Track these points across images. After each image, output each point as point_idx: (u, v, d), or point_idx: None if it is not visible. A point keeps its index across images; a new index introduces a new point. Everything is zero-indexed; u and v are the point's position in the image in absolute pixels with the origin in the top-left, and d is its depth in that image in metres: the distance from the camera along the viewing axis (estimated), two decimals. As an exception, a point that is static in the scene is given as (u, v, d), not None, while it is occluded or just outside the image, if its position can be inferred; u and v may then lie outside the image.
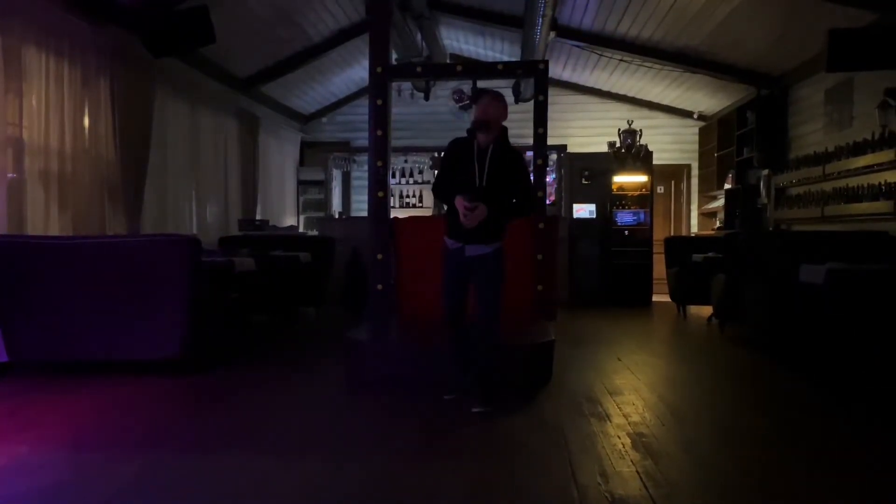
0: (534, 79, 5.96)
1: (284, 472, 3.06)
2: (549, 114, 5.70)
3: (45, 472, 3.04)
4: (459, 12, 9.55)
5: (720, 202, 10.40)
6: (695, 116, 11.60)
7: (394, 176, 11.38)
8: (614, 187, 10.21)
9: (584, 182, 10.33)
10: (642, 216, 10.24)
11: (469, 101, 3.64)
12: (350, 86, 11.97)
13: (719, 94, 10.28)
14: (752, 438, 3.67)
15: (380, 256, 5.75)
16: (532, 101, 5.83)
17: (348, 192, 12.48)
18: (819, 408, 4.33)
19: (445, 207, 4.25)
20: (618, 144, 10.36)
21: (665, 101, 11.51)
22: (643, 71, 10.02)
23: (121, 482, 2.92)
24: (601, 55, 9.80)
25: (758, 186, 9.04)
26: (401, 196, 11.74)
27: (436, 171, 4.62)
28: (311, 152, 12.37)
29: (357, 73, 11.23)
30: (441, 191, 4.20)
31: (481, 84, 10.57)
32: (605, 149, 10.50)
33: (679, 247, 9.02)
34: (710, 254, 7.96)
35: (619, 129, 10.41)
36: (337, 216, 11.59)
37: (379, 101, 5.79)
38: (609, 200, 10.20)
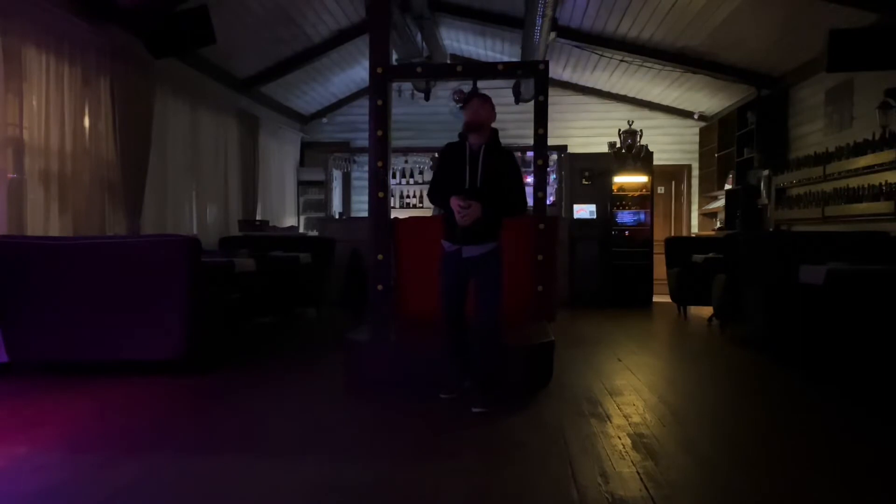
0: (534, 79, 5.95)
1: (284, 472, 3.05)
2: (550, 114, 5.68)
3: (45, 472, 3.03)
4: (460, 13, 9.55)
5: (720, 202, 10.39)
6: (695, 117, 11.60)
7: (394, 176, 11.37)
8: (615, 188, 10.21)
9: (584, 182, 10.33)
10: (643, 217, 10.24)
11: (460, 105, 3.67)
12: (350, 86, 11.97)
13: (720, 94, 10.28)
14: (752, 439, 3.67)
15: (380, 257, 5.74)
16: (532, 102, 5.82)
17: (348, 192, 12.48)
18: (820, 408, 4.32)
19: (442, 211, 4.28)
20: (618, 145, 10.36)
21: (665, 102, 11.51)
22: (643, 71, 10.02)
23: (121, 482, 2.92)
24: (601, 56, 9.80)
25: (758, 187, 9.04)
26: (401, 196, 11.73)
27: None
28: (311, 153, 12.37)
29: (357, 73, 11.24)
30: (436, 196, 4.26)
31: (481, 84, 10.56)
32: (605, 149, 10.51)
33: (679, 247, 9.02)
34: (710, 254, 7.96)
35: (620, 130, 10.41)
36: (337, 217, 11.59)
37: (379, 102, 5.77)
38: (609, 201, 10.20)
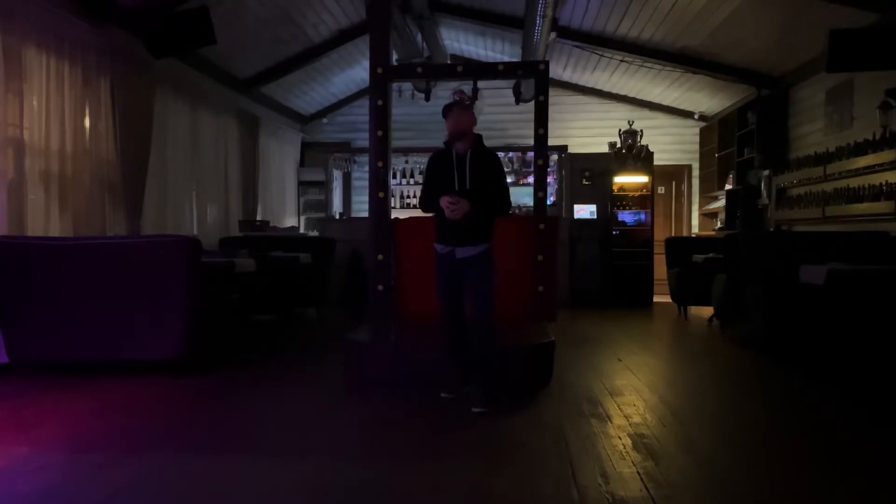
0: (534, 79, 5.95)
1: (284, 472, 3.05)
2: (550, 114, 5.69)
3: (46, 472, 3.03)
4: (460, 13, 9.55)
5: (721, 203, 10.39)
6: (695, 117, 11.60)
7: (394, 176, 11.38)
8: (615, 188, 10.21)
9: (584, 182, 10.33)
10: (643, 217, 10.24)
11: (442, 114, 3.79)
12: (350, 86, 11.97)
13: (720, 94, 10.28)
14: (752, 439, 3.67)
15: (380, 257, 5.74)
16: (533, 102, 5.82)
17: (349, 192, 12.47)
18: (820, 408, 4.32)
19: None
20: (618, 145, 10.36)
21: (666, 102, 11.51)
22: (644, 71, 10.02)
23: (121, 483, 2.92)
24: (602, 56, 9.80)
25: (758, 187, 9.04)
26: (401, 197, 11.73)
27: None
28: (311, 153, 12.37)
29: (357, 73, 11.24)
30: (427, 202, 4.36)
31: (481, 85, 10.53)
32: (605, 149, 10.51)
33: (680, 247, 9.02)
34: (710, 254, 7.95)
35: (620, 130, 10.41)
36: (337, 217, 11.59)
37: (379, 102, 5.78)
38: (610, 201, 10.20)
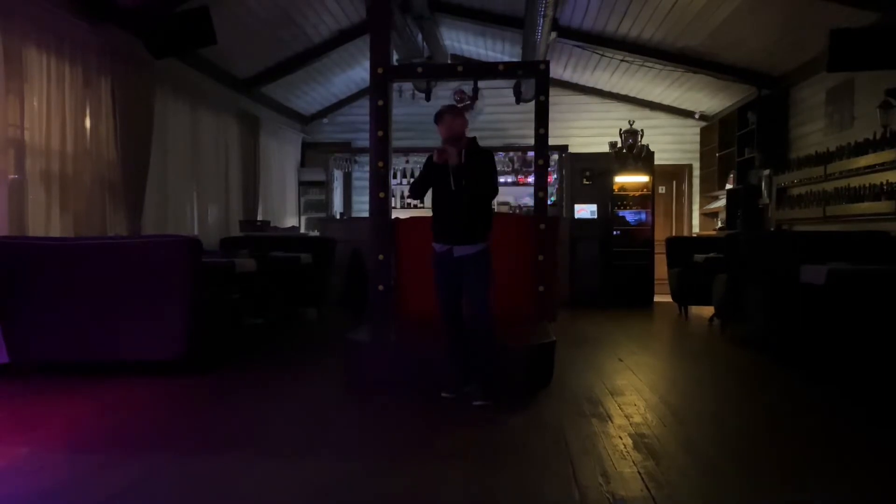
0: (535, 79, 5.96)
1: (285, 472, 3.06)
2: (550, 114, 5.69)
3: (46, 472, 3.03)
4: (460, 13, 9.54)
5: (721, 202, 10.38)
6: (696, 117, 11.59)
7: (395, 176, 11.37)
8: (615, 187, 10.21)
9: (585, 182, 10.33)
10: (643, 216, 10.24)
11: (434, 121, 3.88)
12: (351, 86, 11.97)
13: (720, 94, 10.27)
14: (753, 439, 3.66)
15: (381, 257, 5.74)
16: (533, 102, 5.82)
17: (349, 192, 12.47)
18: (820, 408, 4.32)
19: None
20: (619, 145, 10.35)
21: (666, 102, 11.50)
22: (644, 71, 10.01)
23: (121, 483, 2.92)
24: (602, 55, 9.80)
25: (759, 186, 9.03)
26: (402, 197, 11.72)
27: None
28: (312, 153, 12.36)
29: (358, 73, 11.23)
30: (417, 189, 4.50)
31: (482, 84, 10.55)
32: (606, 149, 10.50)
33: (680, 247, 9.02)
34: (711, 254, 7.95)
35: (621, 130, 10.41)
36: (338, 217, 11.59)
37: (380, 102, 5.78)
38: (610, 201, 10.20)
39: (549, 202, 6.10)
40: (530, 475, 3.04)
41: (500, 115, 11.47)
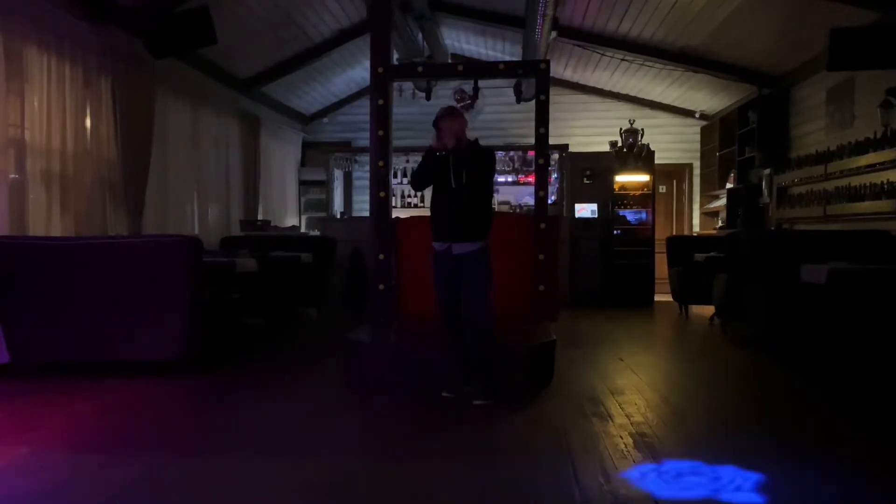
0: (535, 78, 5.96)
1: (285, 472, 3.06)
2: (551, 113, 5.69)
3: (46, 472, 3.03)
4: (461, 12, 9.54)
5: (722, 201, 10.38)
6: (696, 116, 11.58)
7: (395, 176, 11.35)
8: (616, 187, 10.20)
9: (585, 182, 10.32)
10: (644, 216, 10.23)
11: (434, 125, 3.91)
12: (351, 86, 11.96)
13: (721, 93, 10.27)
14: (754, 438, 3.66)
15: (381, 256, 5.74)
16: (533, 101, 5.82)
17: (350, 192, 12.46)
18: (821, 407, 4.32)
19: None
20: (619, 144, 10.35)
21: (666, 101, 11.49)
22: (644, 70, 10.01)
23: (121, 483, 2.92)
24: (602, 55, 9.79)
25: (760, 186, 9.03)
26: (402, 196, 11.72)
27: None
28: (312, 152, 12.36)
29: (358, 73, 11.23)
30: (418, 180, 4.47)
31: (482, 84, 10.58)
32: (606, 148, 10.50)
33: (681, 246, 9.01)
34: (711, 253, 7.94)
35: (621, 129, 10.40)
36: (338, 216, 11.58)
37: (380, 101, 5.79)
38: (611, 200, 10.19)
39: (549, 201, 6.10)
40: (531, 474, 3.04)
41: (500, 115, 11.46)
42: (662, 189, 11.98)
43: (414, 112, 11.28)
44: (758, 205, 9.07)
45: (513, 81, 10.54)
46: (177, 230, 7.76)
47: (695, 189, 11.87)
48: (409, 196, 11.78)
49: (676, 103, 11.48)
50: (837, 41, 6.24)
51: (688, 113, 11.62)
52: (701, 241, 9.33)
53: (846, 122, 7.36)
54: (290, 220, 11.53)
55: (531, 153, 10.70)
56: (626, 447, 3.38)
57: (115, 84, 6.53)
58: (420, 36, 9.43)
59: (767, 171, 8.83)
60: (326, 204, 11.95)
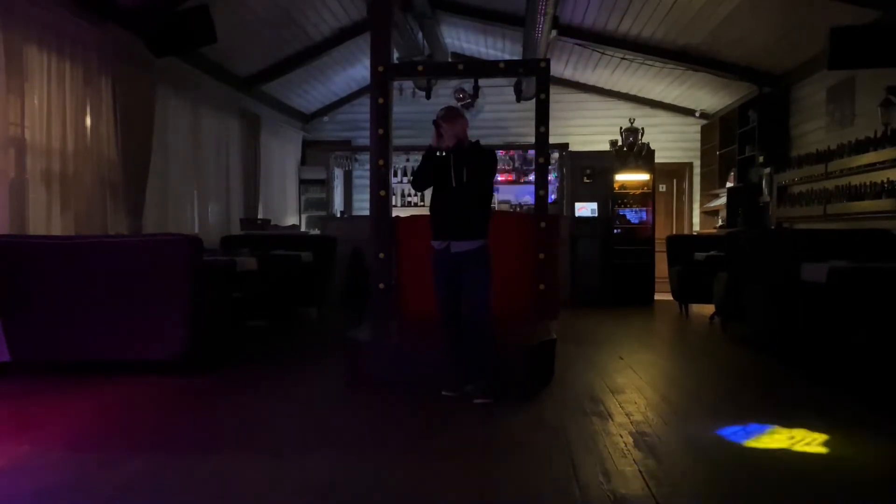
0: (535, 77, 5.96)
1: (285, 472, 3.06)
2: (551, 112, 5.69)
3: (47, 472, 3.04)
4: (461, 11, 9.54)
5: (722, 200, 10.38)
6: (696, 115, 11.58)
7: (395, 175, 11.36)
8: (616, 186, 10.20)
9: (585, 181, 10.33)
10: (644, 215, 10.24)
11: (433, 124, 3.91)
12: (351, 84, 11.96)
13: (721, 92, 10.27)
14: (754, 438, 3.66)
15: (381, 255, 5.75)
16: (534, 100, 5.82)
17: (350, 191, 12.46)
18: (821, 406, 4.32)
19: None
20: (619, 143, 10.35)
21: (667, 100, 11.49)
22: (645, 69, 10.01)
23: (121, 482, 2.93)
24: (603, 53, 9.79)
25: (760, 184, 9.03)
26: (402, 195, 11.72)
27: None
28: (312, 151, 12.36)
29: (358, 71, 11.23)
30: (420, 180, 4.46)
31: (482, 83, 10.58)
32: (606, 147, 10.50)
33: (681, 245, 9.02)
34: (712, 252, 7.95)
35: (621, 128, 10.40)
36: (339, 215, 11.58)
37: (380, 100, 5.79)
38: (611, 199, 10.19)
39: (549, 200, 6.10)
40: (531, 473, 3.04)
41: (500, 114, 11.46)
42: (662, 188, 11.98)
43: (414, 111, 11.28)
44: (758, 204, 9.07)
45: (513, 80, 10.54)
46: (177, 229, 7.76)
47: (695, 188, 11.87)
48: (410, 195, 11.78)
49: (677, 102, 11.48)
50: (838, 40, 6.24)
51: (688, 112, 11.62)
52: (701, 241, 9.33)
53: (846, 120, 7.35)
54: (291, 219, 11.54)
55: (531, 152, 10.70)
56: (625, 446, 3.38)
57: (115, 83, 6.53)
58: (420, 35, 9.43)
59: (768, 169, 8.83)
60: (326, 203, 11.95)
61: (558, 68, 10.93)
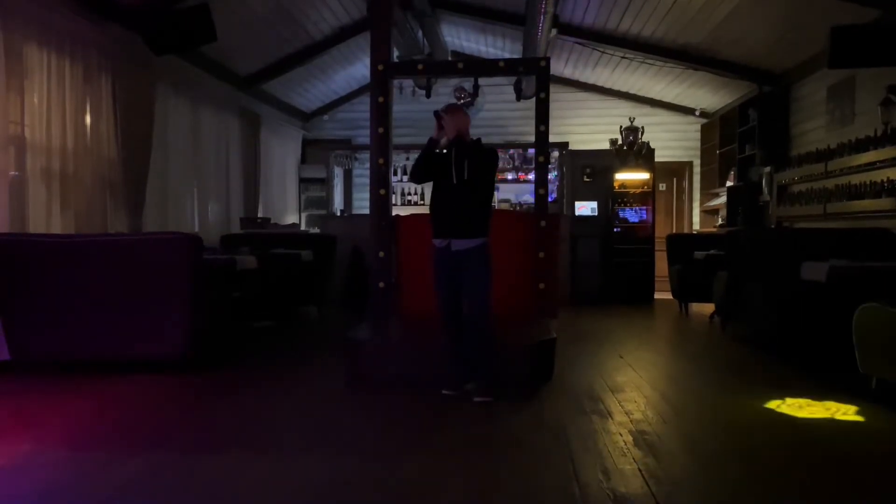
0: (535, 76, 5.96)
1: (285, 471, 3.06)
2: (551, 111, 5.69)
3: (47, 470, 3.04)
4: (461, 10, 9.53)
5: (722, 199, 10.38)
6: (697, 113, 11.58)
7: (395, 173, 11.35)
8: (616, 185, 10.20)
9: (585, 179, 10.33)
10: (644, 214, 10.23)
11: (434, 115, 3.95)
12: (351, 83, 11.96)
13: (721, 91, 10.26)
14: (753, 436, 3.66)
15: (381, 254, 5.75)
16: (534, 99, 5.82)
17: (350, 189, 12.47)
18: (820, 406, 4.31)
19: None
20: (619, 142, 10.34)
21: (667, 99, 11.49)
22: (645, 68, 10.00)
23: (122, 481, 2.93)
24: (603, 52, 9.79)
25: (760, 183, 9.02)
26: (402, 194, 11.72)
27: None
28: (312, 150, 12.36)
29: (358, 70, 11.23)
30: (418, 172, 4.47)
31: (482, 81, 10.56)
32: (606, 146, 10.49)
33: (681, 244, 9.02)
34: (711, 251, 7.94)
35: (621, 127, 10.40)
36: (338, 214, 11.58)
37: (380, 99, 5.79)
38: (611, 198, 10.19)
39: (549, 199, 6.10)
40: (531, 472, 3.04)
41: (500, 113, 11.45)
42: (662, 187, 11.97)
43: (414, 109, 11.27)
44: (758, 203, 9.07)
45: (513, 79, 10.53)
46: (177, 228, 7.76)
47: (695, 187, 11.87)
48: (410, 194, 11.78)
49: (677, 101, 11.48)
50: (838, 39, 6.24)
51: (688, 111, 11.62)
52: (701, 239, 9.33)
53: (847, 119, 7.35)
54: (290, 218, 11.54)
55: (531, 151, 10.69)
56: (625, 444, 3.38)
57: (115, 81, 6.53)
58: (420, 33, 9.43)
59: (768, 168, 8.82)
60: (326, 201, 11.95)
61: (558, 67, 10.92)
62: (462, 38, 11.12)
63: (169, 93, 7.80)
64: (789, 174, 8.29)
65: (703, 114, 11.54)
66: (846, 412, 4.03)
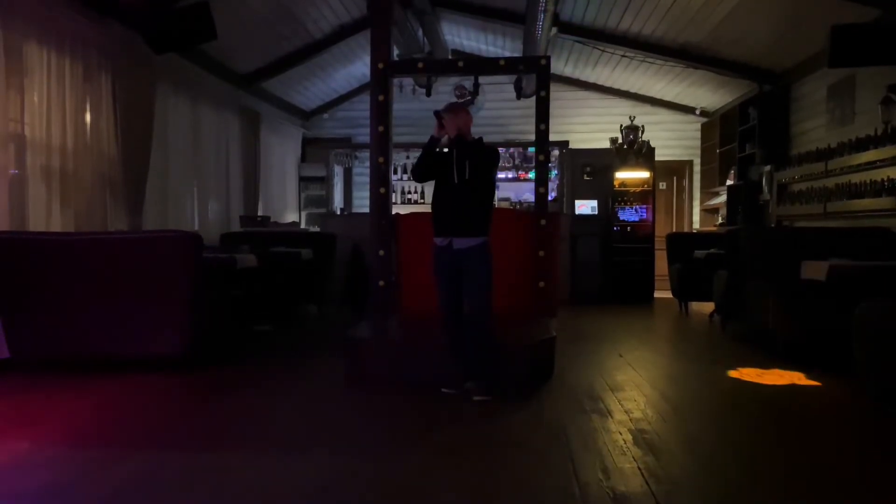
0: (535, 75, 5.96)
1: (285, 470, 3.06)
2: (551, 110, 5.69)
3: (47, 469, 3.04)
4: (461, 8, 9.53)
5: (722, 198, 10.38)
6: (697, 112, 11.57)
7: (395, 172, 11.34)
8: (616, 183, 10.20)
9: (585, 178, 10.32)
10: (644, 212, 10.23)
11: (435, 115, 3.97)
12: (351, 82, 11.95)
13: (721, 90, 10.26)
14: (753, 435, 3.67)
15: (381, 253, 5.75)
16: (534, 98, 5.82)
17: (350, 188, 12.46)
18: (820, 405, 4.32)
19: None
20: (620, 140, 10.34)
21: (667, 97, 11.48)
22: (645, 67, 10.00)
23: (121, 480, 2.93)
24: (603, 51, 9.78)
25: (760, 183, 9.02)
26: (402, 192, 11.72)
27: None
28: (312, 148, 12.36)
29: (358, 69, 11.22)
30: (420, 171, 4.47)
31: (482, 80, 10.57)
32: (607, 145, 10.49)
33: (681, 243, 9.01)
34: (712, 250, 7.94)
35: (621, 126, 10.39)
36: (338, 212, 11.58)
37: (380, 97, 5.79)
38: (611, 197, 10.19)
39: (549, 198, 6.10)
40: (530, 470, 3.04)
41: (500, 111, 11.45)
42: (663, 186, 11.97)
43: (414, 108, 11.26)
44: (758, 202, 9.06)
45: (513, 78, 10.53)
46: (177, 226, 7.76)
47: (695, 186, 11.86)
48: (410, 192, 11.78)
49: (677, 100, 11.47)
50: (838, 38, 6.24)
51: (688, 109, 11.61)
52: (701, 238, 9.32)
53: (847, 118, 7.35)
54: (290, 217, 11.54)
55: (531, 150, 10.68)
56: (625, 443, 3.38)
57: (115, 79, 6.52)
58: (420, 32, 9.42)
59: (768, 167, 8.82)
60: (326, 200, 11.94)
61: (558, 66, 10.92)
62: (462, 36, 11.12)
63: (169, 91, 7.80)
64: (789, 173, 8.29)
65: (704, 113, 11.53)
66: (846, 406, 4.03)
